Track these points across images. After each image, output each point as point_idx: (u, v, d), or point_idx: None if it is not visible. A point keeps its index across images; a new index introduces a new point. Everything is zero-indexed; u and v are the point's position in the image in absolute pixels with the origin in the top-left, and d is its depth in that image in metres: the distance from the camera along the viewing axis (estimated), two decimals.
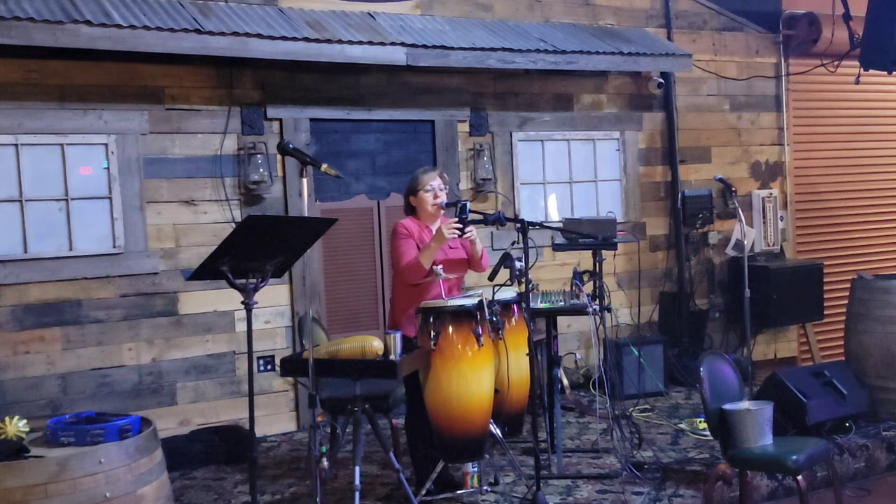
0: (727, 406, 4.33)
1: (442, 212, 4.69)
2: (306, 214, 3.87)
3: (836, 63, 7.64)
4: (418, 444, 4.58)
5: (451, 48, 6.17)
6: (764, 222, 7.88)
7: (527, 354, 4.44)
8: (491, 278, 4.50)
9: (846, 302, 6.20)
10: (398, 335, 4.13)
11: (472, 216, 4.45)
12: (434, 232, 4.66)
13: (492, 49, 6.31)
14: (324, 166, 3.89)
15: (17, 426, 3.40)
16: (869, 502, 5.00)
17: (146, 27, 5.22)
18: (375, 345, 4.12)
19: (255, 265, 3.73)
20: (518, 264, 4.37)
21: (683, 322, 7.40)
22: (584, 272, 5.11)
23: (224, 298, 5.79)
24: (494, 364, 4.42)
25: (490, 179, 6.75)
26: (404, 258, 4.51)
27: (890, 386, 5.77)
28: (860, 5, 6.50)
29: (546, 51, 6.51)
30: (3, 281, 5.30)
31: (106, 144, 5.62)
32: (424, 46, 6.07)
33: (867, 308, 5.91)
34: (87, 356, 5.56)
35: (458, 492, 4.59)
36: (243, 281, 3.73)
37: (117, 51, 5.25)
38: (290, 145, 3.90)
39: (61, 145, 5.49)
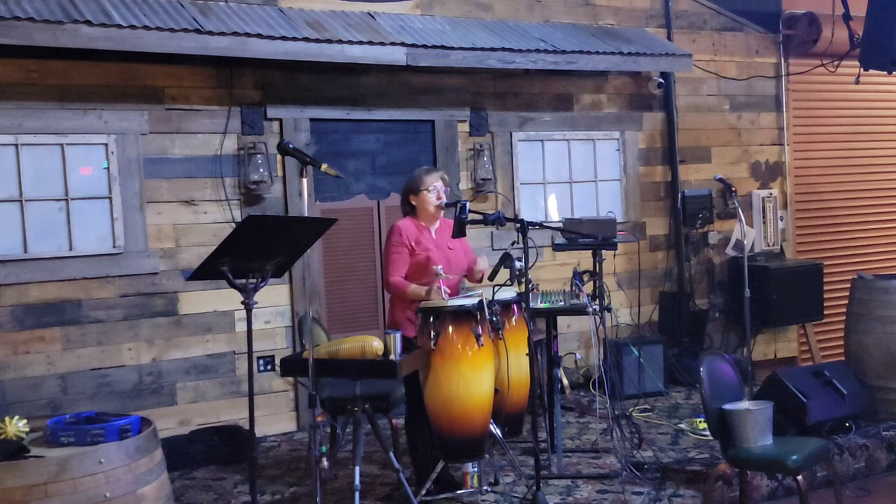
0: (727, 406, 4.32)
1: (442, 212, 4.69)
2: (306, 214, 3.87)
3: (836, 63, 7.64)
4: (418, 444, 4.58)
5: (451, 48, 6.17)
6: (764, 222, 7.88)
7: (527, 354, 4.43)
8: (491, 278, 4.50)
9: (846, 302, 6.20)
10: (398, 335, 4.13)
11: (472, 216, 4.44)
12: (433, 233, 4.67)
13: (492, 49, 6.31)
14: (324, 166, 3.89)
15: (17, 426, 3.40)
16: (869, 502, 5.00)
17: (146, 27, 5.22)
18: (375, 345, 4.13)
19: (255, 265, 3.73)
20: (518, 264, 4.37)
21: (683, 322, 7.40)
22: (584, 272, 5.11)
23: (224, 298, 5.79)
24: (494, 364, 4.43)
25: (490, 179, 6.75)
26: (393, 276, 4.55)
27: (890, 386, 5.77)
28: (860, 5, 6.50)
29: (546, 51, 6.51)
30: (3, 281, 5.30)
31: (106, 144, 5.62)
32: (424, 46, 6.07)
33: (867, 308, 5.91)
34: (87, 356, 5.56)
35: (458, 492, 4.59)
36: (243, 281, 3.73)
37: (117, 51, 5.25)
38: (290, 145, 3.90)
39: (61, 145, 5.49)
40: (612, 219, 5.58)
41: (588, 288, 5.06)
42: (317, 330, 4.90)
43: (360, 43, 5.86)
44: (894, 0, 6.17)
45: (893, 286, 5.85)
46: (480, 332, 4.29)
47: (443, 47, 6.14)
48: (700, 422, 5.74)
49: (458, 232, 4.42)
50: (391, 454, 4.28)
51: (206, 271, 3.67)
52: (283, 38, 5.62)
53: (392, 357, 4.09)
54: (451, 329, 4.29)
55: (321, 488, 3.86)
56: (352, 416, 4.24)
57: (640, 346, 6.74)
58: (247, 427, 4.00)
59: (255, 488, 3.82)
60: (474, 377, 4.28)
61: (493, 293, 4.50)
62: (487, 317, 4.32)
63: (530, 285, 4.49)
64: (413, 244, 4.58)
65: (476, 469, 4.53)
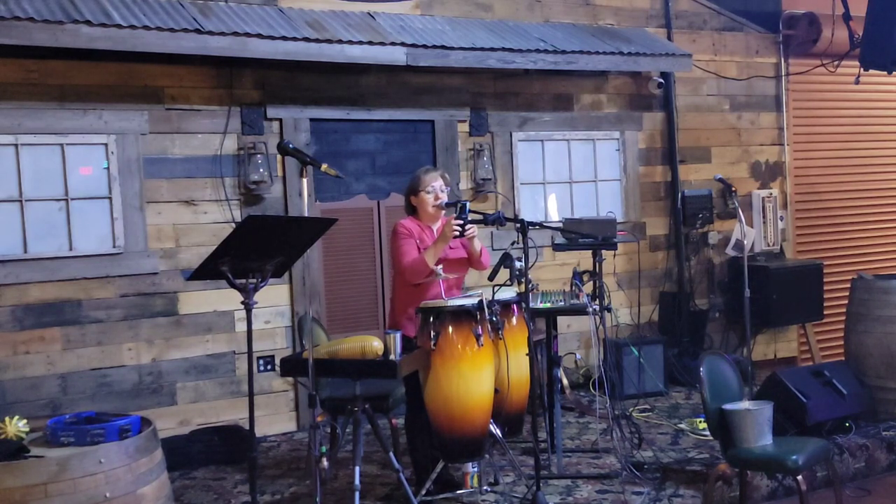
0: (727, 406, 4.32)
1: (443, 212, 4.69)
2: (306, 214, 3.87)
3: (836, 63, 7.64)
4: (418, 444, 4.58)
5: (451, 48, 6.17)
6: (764, 222, 7.88)
7: (527, 354, 4.43)
8: (491, 278, 4.50)
9: (846, 302, 6.20)
10: (398, 335, 4.13)
11: (472, 216, 4.44)
12: (435, 232, 4.66)
13: (492, 49, 6.31)
14: (324, 166, 3.89)
15: (17, 426, 3.39)
16: (869, 502, 5.00)
17: (146, 27, 5.22)
18: (375, 345, 4.13)
19: (255, 265, 3.73)
20: (518, 264, 4.37)
21: (683, 322, 7.40)
22: (584, 272, 5.11)
23: (224, 298, 5.79)
24: (494, 364, 4.42)
25: (490, 179, 6.75)
26: (406, 257, 4.51)
27: (890, 386, 5.77)
28: (860, 5, 6.51)
29: (546, 51, 6.51)
30: (3, 281, 5.30)
31: (106, 144, 5.62)
32: (424, 46, 6.07)
33: (867, 308, 5.91)
34: (87, 356, 5.56)
35: (458, 492, 4.59)
36: (243, 281, 3.73)
37: (117, 51, 5.25)
38: (290, 145, 3.90)
39: (61, 145, 5.49)
40: (612, 219, 5.58)
41: (588, 288, 5.06)
42: (317, 330, 4.90)
43: (360, 43, 5.85)
44: (894, 0, 6.17)
45: (893, 286, 5.85)
46: (480, 332, 4.28)
47: (443, 47, 6.14)
48: (700, 422, 5.74)
49: (459, 232, 4.43)
50: (391, 454, 4.28)
51: (206, 271, 3.67)
52: (283, 38, 5.62)
53: (392, 357, 4.09)
54: (451, 329, 4.29)
55: (321, 488, 3.86)
56: (352, 416, 4.24)
57: (640, 346, 6.74)
58: (247, 427, 4.00)
59: (255, 488, 3.82)
60: (474, 377, 4.28)
61: (493, 293, 4.50)
62: (487, 317, 4.32)
63: (530, 285, 4.49)
64: (417, 241, 4.58)
65: (476, 469, 4.53)
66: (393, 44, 5.96)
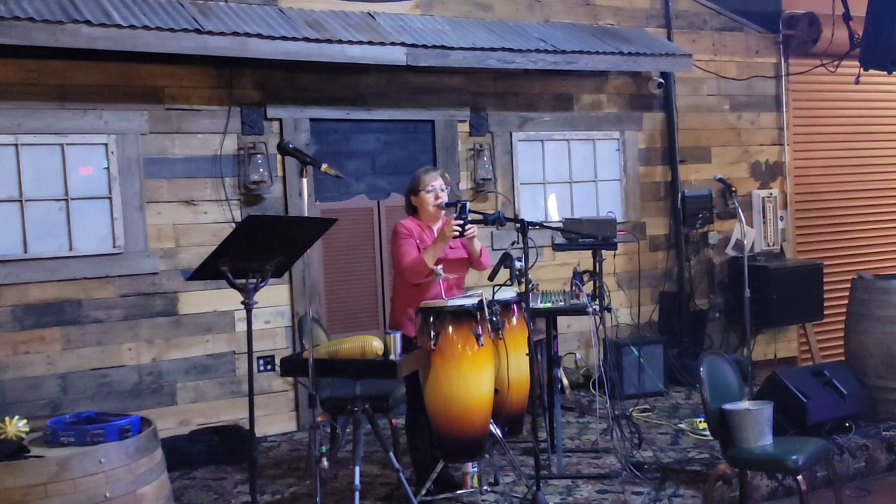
0: (727, 406, 4.33)
1: (443, 212, 4.69)
2: (306, 214, 3.87)
3: (836, 63, 7.64)
4: (418, 444, 4.59)
5: (451, 48, 6.17)
6: (764, 222, 7.88)
7: (527, 354, 4.43)
8: (491, 278, 4.50)
9: (846, 302, 6.20)
10: (398, 335, 4.13)
11: (472, 216, 4.45)
12: (435, 232, 4.66)
13: (492, 49, 6.31)
14: (324, 166, 3.89)
15: (17, 426, 3.40)
16: (869, 502, 5.00)
17: (146, 27, 5.22)
18: (375, 345, 4.13)
19: (255, 265, 3.73)
20: (518, 264, 4.37)
21: (683, 322, 7.40)
22: (584, 272, 5.11)
23: (224, 298, 5.79)
24: (494, 364, 4.42)
25: (490, 179, 6.75)
26: (406, 258, 4.51)
27: (890, 386, 5.77)
28: (860, 5, 6.50)
29: (546, 51, 6.51)
30: (3, 281, 5.30)
31: (106, 144, 5.62)
32: (424, 46, 6.07)
33: (867, 308, 5.91)
34: (87, 356, 5.56)
35: (458, 492, 4.59)
36: (243, 281, 3.73)
37: (117, 51, 5.25)
38: (290, 145, 3.90)
39: (61, 145, 5.49)
40: (612, 219, 5.58)
41: (588, 288, 5.06)
42: (317, 330, 4.90)
43: (360, 43, 5.85)
44: (894, 0, 6.17)
45: (893, 286, 5.86)
46: (480, 332, 4.28)
47: (443, 47, 6.14)
48: (700, 422, 5.74)
49: (459, 232, 4.43)
50: (391, 454, 4.28)
51: (206, 271, 3.68)
52: (283, 38, 5.62)
53: (392, 357, 4.09)
54: (451, 329, 4.29)
55: (321, 488, 3.87)
56: (352, 416, 4.24)
57: (640, 346, 6.74)
58: (247, 427, 4.00)
59: (255, 488, 3.82)
60: (474, 377, 4.28)
61: (493, 293, 4.50)
62: (487, 317, 4.32)
63: (530, 285, 4.48)
64: (417, 241, 4.58)
65: (476, 469, 4.53)
66: (393, 44, 5.96)
